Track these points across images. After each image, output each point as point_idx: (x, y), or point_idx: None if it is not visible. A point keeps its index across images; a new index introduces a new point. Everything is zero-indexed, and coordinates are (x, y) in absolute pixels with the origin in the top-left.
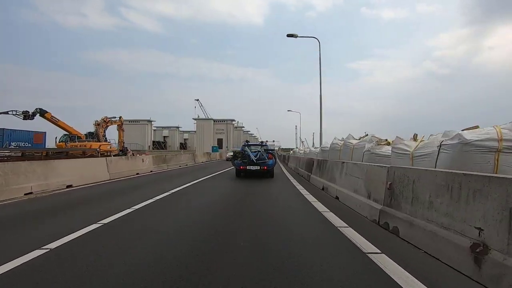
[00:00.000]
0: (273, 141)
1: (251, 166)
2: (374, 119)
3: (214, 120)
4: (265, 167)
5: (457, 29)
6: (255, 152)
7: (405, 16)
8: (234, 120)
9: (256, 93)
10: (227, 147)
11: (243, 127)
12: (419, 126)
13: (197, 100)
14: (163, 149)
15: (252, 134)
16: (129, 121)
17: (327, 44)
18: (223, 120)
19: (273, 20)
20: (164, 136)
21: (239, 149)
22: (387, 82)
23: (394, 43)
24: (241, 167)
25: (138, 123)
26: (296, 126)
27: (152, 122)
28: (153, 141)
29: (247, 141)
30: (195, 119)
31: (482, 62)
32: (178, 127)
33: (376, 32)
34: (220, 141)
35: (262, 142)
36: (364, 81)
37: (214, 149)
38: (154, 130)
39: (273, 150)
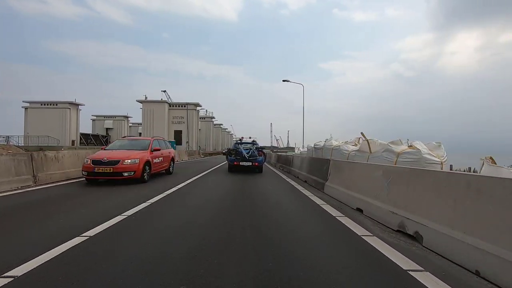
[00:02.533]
0: (250, 137)
1: (244, 162)
2: (346, 118)
3: (170, 104)
4: (256, 163)
5: (422, 33)
6: (247, 149)
7: (375, 19)
8: (199, 105)
9: (231, 90)
10: (187, 142)
11: (214, 117)
12: (389, 125)
13: (164, 91)
14: (105, 145)
15: (225, 129)
16: (41, 103)
17: (302, 44)
18: (183, 105)
19: (247, 16)
20: (107, 128)
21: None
22: (358, 82)
23: (364, 44)
24: (235, 162)
25: (55, 106)
26: (271, 123)
27: (80, 107)
28: (90, 135)
29: (240, 140)
30: (140, 101)
31: (443, 66)
32: (126, 117)
33: (347, 34)
34: (178, 134)
35: (253, 141)
36: (336, 81)
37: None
38: (93, 120)
39: (264, 148)
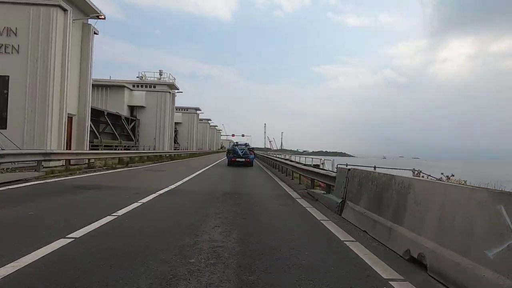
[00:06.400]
0: (243, 135)
1: (239, 159)
2: (336, 122)
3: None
4: (248, 160)
5: (414, 40)
6: (241, 149)
7: (369, 24)
8: (93, 12)
9: (223, 90)
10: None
11: (178, 89)
12: (380, 131)
13: None
14: None
15: (208, 120)
16: None
17: (296, 46)
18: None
19: (241, 16)
20: None
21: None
22: (350, 87)
23: (357, 49)
24: (232, 159)
25: None
26: (265, 124)
27: None
28: None
29: (236, 142)
30: None
31: (435, 73)
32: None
33: (340, 38)
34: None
35: (246, 143)
36: (328, 85)
37: None
38: None
39: (253, 148)
